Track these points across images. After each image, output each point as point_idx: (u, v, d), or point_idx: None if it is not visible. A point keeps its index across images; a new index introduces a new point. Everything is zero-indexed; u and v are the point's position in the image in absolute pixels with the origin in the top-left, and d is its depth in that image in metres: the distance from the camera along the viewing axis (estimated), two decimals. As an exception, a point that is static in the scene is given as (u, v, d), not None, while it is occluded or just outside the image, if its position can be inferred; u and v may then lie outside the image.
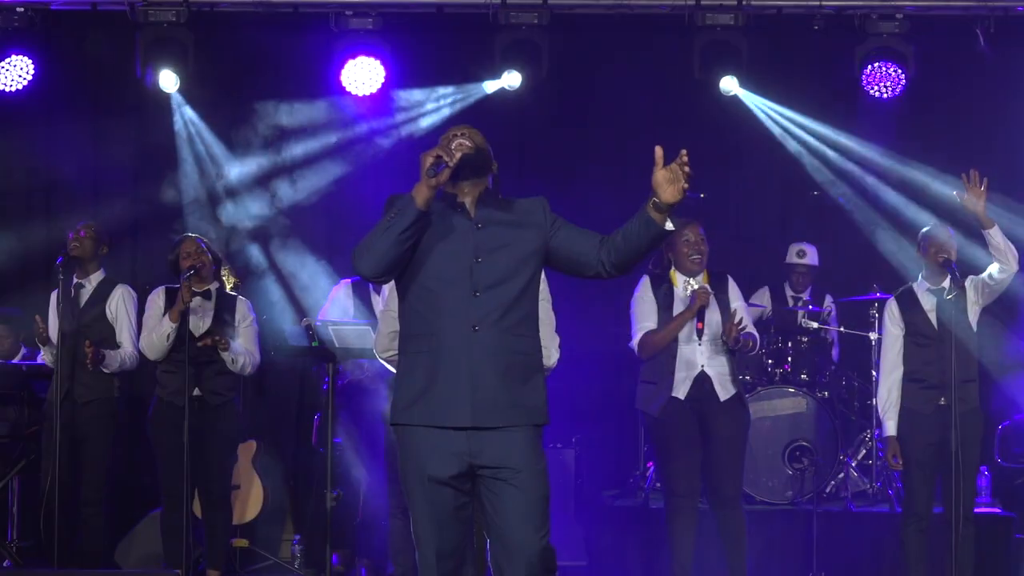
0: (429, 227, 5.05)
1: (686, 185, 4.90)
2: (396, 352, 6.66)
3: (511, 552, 5.05)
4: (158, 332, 8.52)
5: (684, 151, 4.90)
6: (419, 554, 5.12)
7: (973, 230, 8.16)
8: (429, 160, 4.94)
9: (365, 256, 5.04)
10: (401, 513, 6.76)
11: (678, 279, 8.00)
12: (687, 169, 4.89)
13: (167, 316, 8.51)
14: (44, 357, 8.89)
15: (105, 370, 8.65)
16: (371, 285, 9.36)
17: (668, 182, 4.91)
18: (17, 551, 9.35)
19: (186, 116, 10.63)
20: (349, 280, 9.50)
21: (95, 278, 8.83)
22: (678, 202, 4.93)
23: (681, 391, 7.90)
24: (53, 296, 8.82)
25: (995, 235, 7.87)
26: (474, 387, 5.01)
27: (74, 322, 8.65)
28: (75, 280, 8.76)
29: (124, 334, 8.79)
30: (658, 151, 4.92)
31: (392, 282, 6.59)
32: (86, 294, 8.78)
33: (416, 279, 5.09)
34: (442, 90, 10.58)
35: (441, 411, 5.04)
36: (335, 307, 9.28)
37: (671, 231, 5.00)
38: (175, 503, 8.51)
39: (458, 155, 5.01)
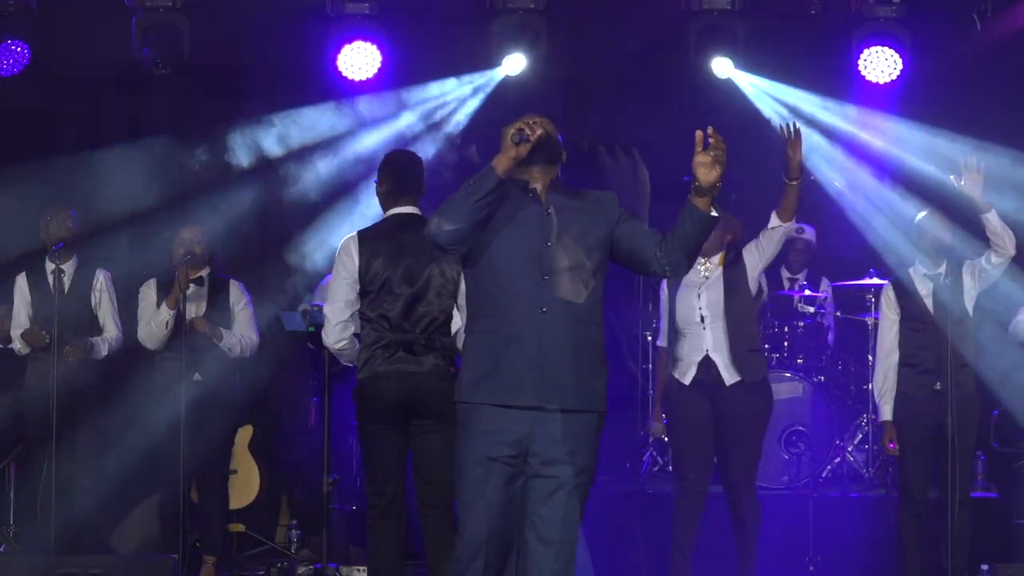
0: (504, 200, 5.07)
1: (719, 159, 4.94)
2: (349, 342, 6.74)
3: (545, 542, 5.10)
4: (156, 321, 8.53)
5: (711, 128, 4.92)
6: (464, 536, 5.11)
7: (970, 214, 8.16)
8: (512, 131, 4.99)
9: (442, 222, 5.08)
10: (379, 516, 6.72)
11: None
12: (712, 141, 4.92)
13: (164, 304, 8.52)
14: (14, 343, 8.91)
15: (96, 357, 8.71)
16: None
17: (704, 164, 4.95)
18: (14, 536, 9.34)
19: (163, 106, 10.66)
20: None
21: (71, 264, 8.88)
22: (716, 183, 4.95)
23: (688, 376, 7.92)
24: (22, 279, 8.92)
25: (992, 219, 7.86)
26: (541, 367, 5.06)
27: (66, 307, 8.69)
28: (55, 267, 8.78)
29: (108, 318, 8.90)
30: (698, 135, 4.95)
31: (334, 272, 6.70)
32: (67, 280, 8.83)
33: (486, 260, 5.14)
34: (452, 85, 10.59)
35: (507, 390, 5.08)
36: (320, 298, 9.39)
37: (716, 218, 5.02)
38: (172, 488, 8.51)
39: (539, 131, 5.05)
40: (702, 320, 7.90)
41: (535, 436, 5.09)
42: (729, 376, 7.89)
